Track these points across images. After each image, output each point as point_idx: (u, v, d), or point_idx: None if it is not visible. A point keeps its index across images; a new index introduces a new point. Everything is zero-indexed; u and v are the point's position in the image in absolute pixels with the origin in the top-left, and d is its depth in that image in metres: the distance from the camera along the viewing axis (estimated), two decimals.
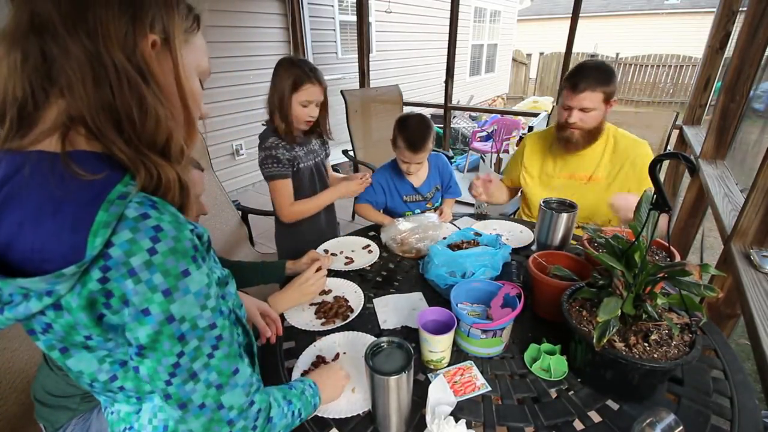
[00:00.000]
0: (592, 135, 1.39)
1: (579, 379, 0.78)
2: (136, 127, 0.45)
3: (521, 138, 4.32)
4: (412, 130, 1.38)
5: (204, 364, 0.47)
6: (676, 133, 2.04)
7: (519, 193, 1.72)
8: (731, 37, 1.91)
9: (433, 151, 1.58)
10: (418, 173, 1.55)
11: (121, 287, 0.41)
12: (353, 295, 1.07)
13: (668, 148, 1.87)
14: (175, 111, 0.50)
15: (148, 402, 0.55)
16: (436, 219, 1.36)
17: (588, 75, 1.29)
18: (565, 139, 1.42)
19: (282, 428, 0.59)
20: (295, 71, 1.30)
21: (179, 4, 0.49)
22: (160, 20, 0.46)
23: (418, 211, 1.57)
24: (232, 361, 0.50)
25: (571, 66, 1.50)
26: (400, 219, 1.34)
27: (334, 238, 1.40)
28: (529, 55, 11.55)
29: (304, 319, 0.98)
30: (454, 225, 1.46)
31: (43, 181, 0.42)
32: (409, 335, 0.92)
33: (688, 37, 10.19)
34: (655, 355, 0.70)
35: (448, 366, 0.82)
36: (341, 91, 2.91)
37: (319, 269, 1.05)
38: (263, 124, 1.42)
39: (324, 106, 1.42)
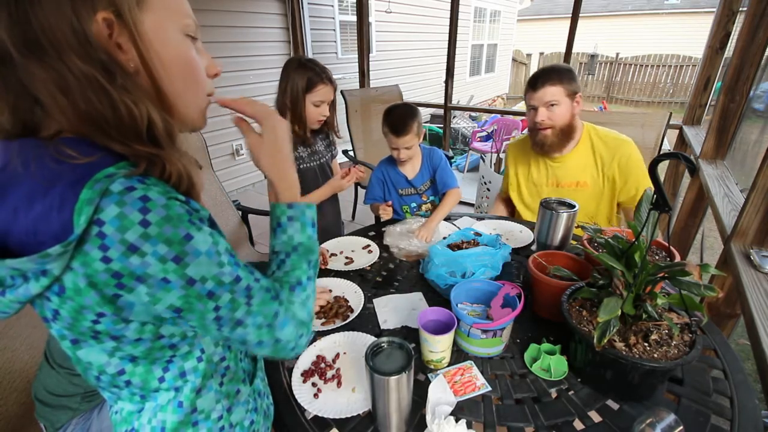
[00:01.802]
0: (565, 134, 1.39)
1: (579, 379, 0.78)
2: (116, 126, 0.43)
3: None
4: (394, 116, 1.42)
5: (246, 311, 0.49)
6: (671, 132, 2.04)
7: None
8: (731, 37, 1.91)
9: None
10: (412, 165, 1.56)
11: (128, 266, 0.40)
12: (353, 295, 1.07)
13: (662, 148, 1.87)
14: (149, 88, 0.46)
15: (151, 401, 0.55)
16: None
17: (545, 73, 1.34)
18: (540, 143, 1.42)
19: (311, 305, 0.59)
20: (307, 72, 1.32)
21: None
22: None
23: (414, 204, 1.58)
24: (270, 305, 0.51)
25: (571, 66, 1.52)
26: (405, 228, 1.33)
27: (334, 238, 1.40)
28: (529, 55, 11.56)
29: None
30: (454, 225, 1.46)
31: (36, 165, 0.41)
32: (409, 335, 0.92)
33: (688, 37, 10.18)
34: (655, 355, 0.70)
35: (448, 366, 0.82)
36: (341, 91, 2.91)
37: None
38: None
39: (332, 105, 1.44)
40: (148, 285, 0.42)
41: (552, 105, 1.34)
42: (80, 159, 0.41)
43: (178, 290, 0.43)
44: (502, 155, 4.03)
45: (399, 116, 1.41)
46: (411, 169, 1.56)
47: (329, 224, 1.62)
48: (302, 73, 1.32)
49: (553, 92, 1.33)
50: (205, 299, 0.45)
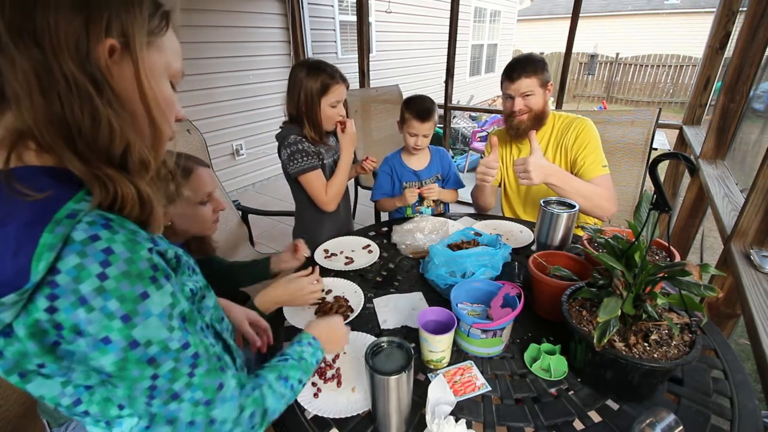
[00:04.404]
0: (538, 119, 1.47)
1: (579, 379, 0.78)
2: (88, 140, 0.42)
3: None
4: (418, 103, 1.50)
5: (186, 383, 0.45)
6: (671, 132, 2.03)
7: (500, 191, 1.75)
8: (731, 37, 1.91)
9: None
10: (420, 158, 1.60)
11: (72, 318, 0.38)
12: (353, 295, 1.07)
13: (653, 145, 1.86)
14: (137, 119, 0.47)
15: (117, 428, 0.51)
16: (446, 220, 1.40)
17: (521, 65, 1.41)
18: (515, 128, 1.50)
19: (284, 405, 0.62)
20: (320, 75, 1.32)
21: (142, 2, 0.45)
22: (119, 22, 0.42)
23: (416, 199, 1.59)
24: (215, 376, 0.49)
25: (571, 66, 1.54)
26: (413, 226, 1.34)
27: (334, 238, 1.40)
28: None
29: (304, 319, 0.98)
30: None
31: None
32: (409, 335, 0.92)
33: (688, 37, 10.18)
34: (655, 355, 0.70)
35: (448, 366, 0.82)
36: None
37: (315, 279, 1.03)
38: (281, 126, 1.43)
39: (345, 103, 1.46)
40: (86, 340, 0.40)
41: (527, 95, 1.42)
42: (32, 195, 0.39)
43: (116, 353, 0.41)
44: None
45: (423, 104, 1.49)
46: (417, 162, 1.60)
47: (342, 224, 1.62)
48: (314, 77, 1.32)
49: (528, 84, 1.41)
50: (144, 365, 0.42)
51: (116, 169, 0.44)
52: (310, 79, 1.32)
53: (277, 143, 1.44)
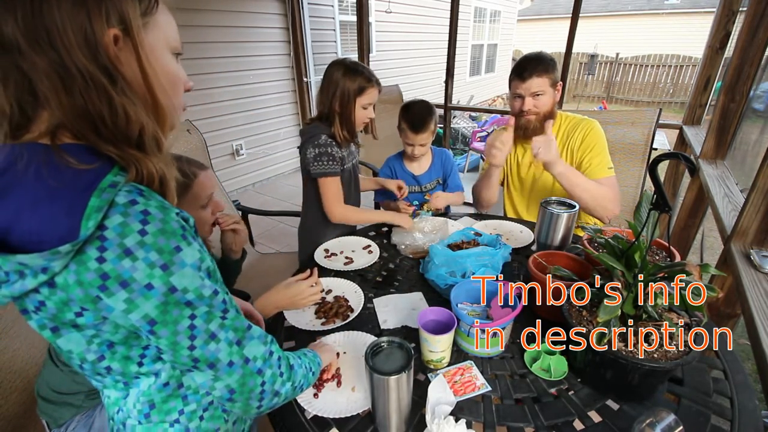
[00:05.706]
0: (547, 120, 1.44)
1: (579, 379, 0.78)
2: (110, 128, 0.47)
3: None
4: (413, 112, 1.47)
5: (219, 324, 0.51)
6: (671, 132, 2.02)
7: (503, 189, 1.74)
8: (731, 37, 1.91)
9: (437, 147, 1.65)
10: (419, 163, 1.59)
11: (118, 268, 0.44)
12: (353, 295, 1.07)
13: (653, 145, 1.86)
14: (145, 101, 0.51)
15: (134, 387, 0.57)
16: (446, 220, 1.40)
17: (531, 64, 1.39)
18: (523, 127, 1.47)
19: (301, 378, 0.65)
20: (357, 77, 1.32)
21: None
22: (116, 10, 0.46)
23: (416, 203, 1.59)
24: (243, 319, 0.55)
25: (571, 66, 1.52)
26: (414, 228, 1.34)
27: (335, 238, 1.40)
28: None
29: (304, 319, 0.98)
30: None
31: (38, 170, 0.44)
32: (409, 335, 0.92)
33: (688, 37, 10.17)
34: (655, 355, 0.70)
35: (448, 366, 0.82)
36: None
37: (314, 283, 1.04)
38: (307, 123, 1.43)
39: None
40: (128, 291, 0.45)
41: (538, 95, 1.40)
42: (80, 165, 0.45)
43: (158, 297, 0.46)
44: None
45: (418, 113, 1.46)
46: (418, 167, 1.59)
47: (349, 226, 1.61)
48: (352, 78, 1.32)
49: (539, 83, 1.38)
50: (183, 306, 0.48)
51: (136, 150, 0.49)
52: (347, 79, 1.32)
53: (301, 139, 1.40)
